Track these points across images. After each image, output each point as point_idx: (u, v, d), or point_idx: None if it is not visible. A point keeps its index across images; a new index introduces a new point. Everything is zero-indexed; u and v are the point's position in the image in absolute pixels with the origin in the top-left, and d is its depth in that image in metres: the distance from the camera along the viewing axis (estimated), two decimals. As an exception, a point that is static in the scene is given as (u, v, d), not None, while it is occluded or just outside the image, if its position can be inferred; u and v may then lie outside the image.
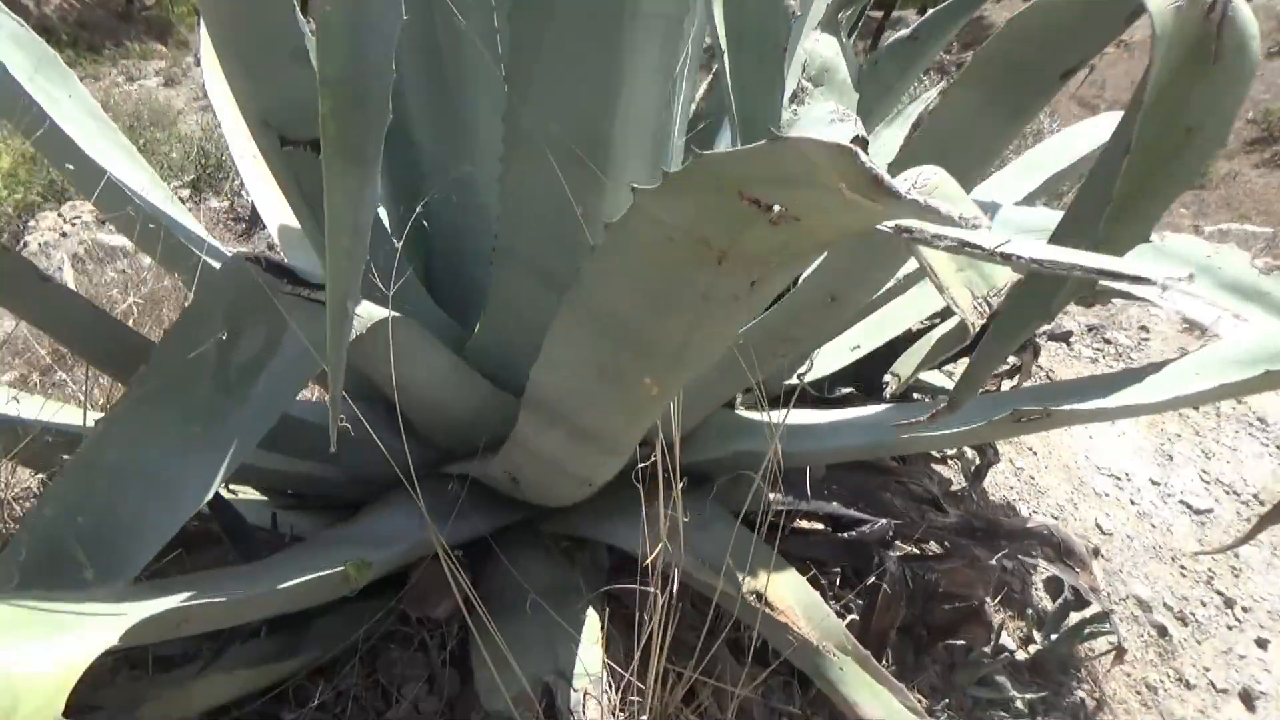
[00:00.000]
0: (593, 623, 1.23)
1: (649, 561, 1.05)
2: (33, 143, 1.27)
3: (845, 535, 1.47)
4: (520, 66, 0.97)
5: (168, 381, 0.99)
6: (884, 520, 1.47)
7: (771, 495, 1.50)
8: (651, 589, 1.05)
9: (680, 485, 0.99)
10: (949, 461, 2.08)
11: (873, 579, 1.37)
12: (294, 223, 1.80)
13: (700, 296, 0.64)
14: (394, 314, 1.00)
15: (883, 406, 1.53)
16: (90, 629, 0.74)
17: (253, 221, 5.10)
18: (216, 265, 1.31)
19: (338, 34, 0.80)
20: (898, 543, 1.60)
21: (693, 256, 0.60)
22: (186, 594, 0.92)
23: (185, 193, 5.88)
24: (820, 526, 1.57)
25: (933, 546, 1.62)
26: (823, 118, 1.89)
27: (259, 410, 0.98)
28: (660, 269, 0.63)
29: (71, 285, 3.34)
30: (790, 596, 1.22)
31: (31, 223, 5.31)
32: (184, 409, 0.98)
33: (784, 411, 1.11)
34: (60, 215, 5.18)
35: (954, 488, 1.98)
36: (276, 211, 2.07)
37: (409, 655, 1.22)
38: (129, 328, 1.24)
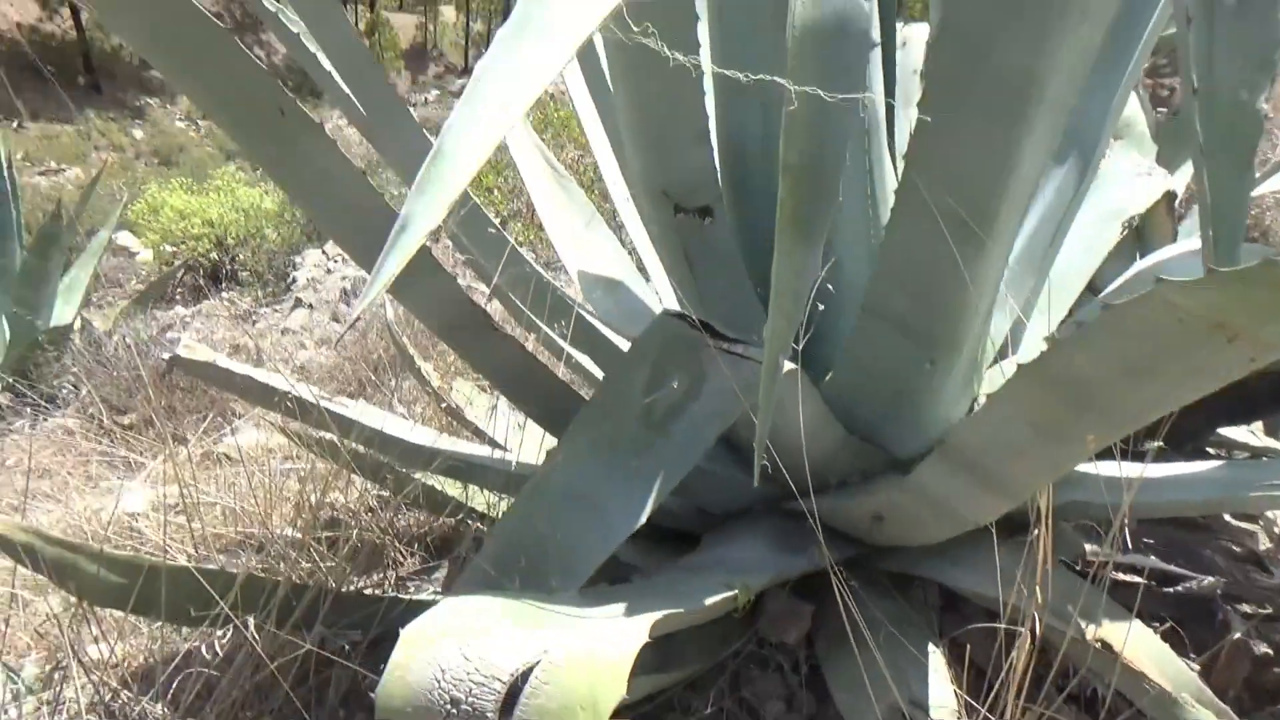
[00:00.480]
0: (937, 657, 1.31)
1: (1006, 604, 1.12)
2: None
3: (1174, 590, 1.48)
4: (924, 146, 1.07)
5: (603, 418, 1.15)
6: (1212, 578, 1.47)
7: (1089, 546, 1.54)
8: (1000, 628, 1.12)
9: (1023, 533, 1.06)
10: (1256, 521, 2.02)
11: (1209, 634, 1.38)
12: (594, 269, 1.97)
13: (1191, 369, 0.72)
14: (795, 366, 1.12)
15: (1211, 463, 1.53)
16: (607, 628, 0.88)
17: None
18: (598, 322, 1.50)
19: (801, 127, 0.93)
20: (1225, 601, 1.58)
21: (1201, 337, 0.67)
22: (621, 604, 1.07)
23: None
24: (1138, 580, 1.58)
25: (1253, 607, 1.59)
26: (1128, 171, 1.92)
27: (682, 448, 1.12)
28: (1157, 346, 0.72)
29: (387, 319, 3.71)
30: (1139, 645, 1.26)
31: (298, 259, 5.93)
32: (616, 444, 1.14)
33: (1141, 466, 1.16)
34: (324, 253, 5.75)
35: (1262, 547, 1.92)
36: (574, 257, 2.26)
37: (767, 676, 1.34)
38: (554, 374, 1.42)
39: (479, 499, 1.87)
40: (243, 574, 1.22)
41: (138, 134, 20.40)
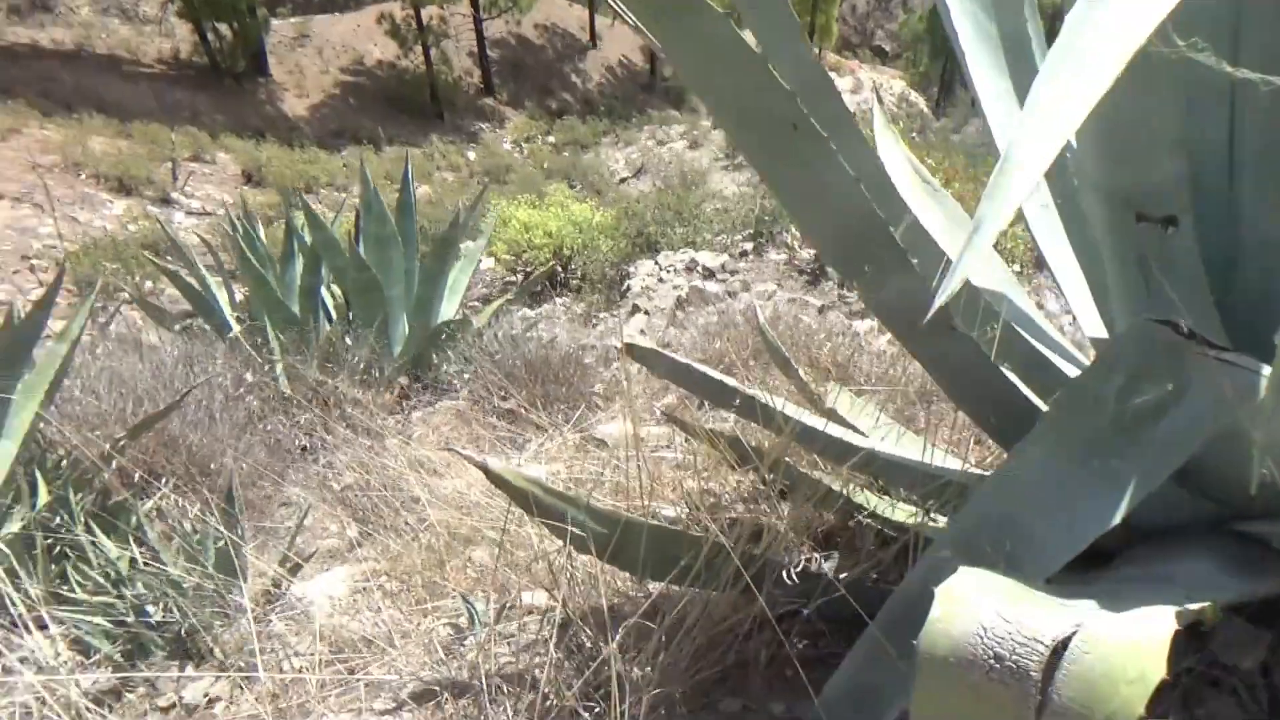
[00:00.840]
0: None
1: None
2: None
3: None
4: None
5: (1073, 420, 1.18)
6: None
7: None
8: None
9: None
10: None
11: None
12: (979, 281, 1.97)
13: None
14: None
15: None
16: (1131, 613, 0.92)
17: (817, 274, 5.59)
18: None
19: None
20: None
21: None
22: (1094, 601, 1.09)
23: (748, 245, 6.62)
24: None
25: None
26: None
27: (1160, 453, 1.12)
28: None
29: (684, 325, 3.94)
30: None
31: (631, 269, 6.36)
32: (1089, 444, 1.16)
33: None
34: (656, 264, 6.13)
35: None
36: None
37: (1221, 698, 1.30)
38: (1005, 377, 1.47)
39: (861, 497, 1.95)
40: (711, 536, 1.37)
41: (471, 155, 22.62)
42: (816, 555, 1.82)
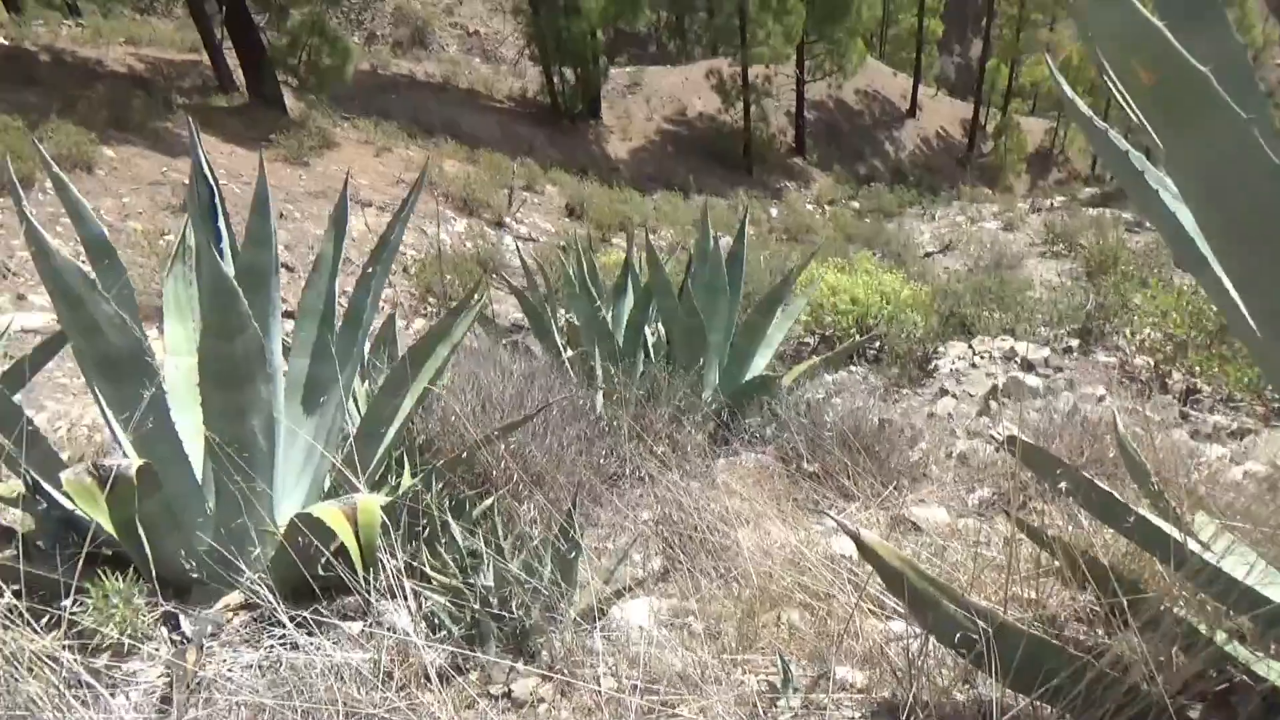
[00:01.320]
0: None
1: None
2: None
3: None
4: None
5: None
6: None
7: None
8: None
9: None
10: None
11: None
12: None
13: None
14: None
15: None
16: None
17: (1151, 384, 5.11)
18: None
19: None
20: None
21: None
22: None
23: (1074, 342, 6.19)
24: None
25: None
26: None
27: None
28: None
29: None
30: None
31: (940, 348, 6.16)
32: None
33: None
34: (970, 347, 5.89)
35: None
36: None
37: None
38: None
39: (1235, 649, 1.73)
40: (1105, 660, 1.28)
41: (774, 211, 22.96)
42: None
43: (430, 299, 9.16)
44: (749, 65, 27.11)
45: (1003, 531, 2.99)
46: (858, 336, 7.51)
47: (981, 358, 5.66)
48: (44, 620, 1.95)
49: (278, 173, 12.74)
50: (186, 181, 11.12)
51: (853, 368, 7.28)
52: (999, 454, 3.97)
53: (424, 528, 2.44)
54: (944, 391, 5.18)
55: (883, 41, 42.88)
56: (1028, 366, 5.35)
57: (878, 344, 7.22)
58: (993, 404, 4.71)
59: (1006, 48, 38.33)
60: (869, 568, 2.60)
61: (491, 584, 2.16)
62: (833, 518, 1.49)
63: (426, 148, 17.71)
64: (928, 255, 16.40)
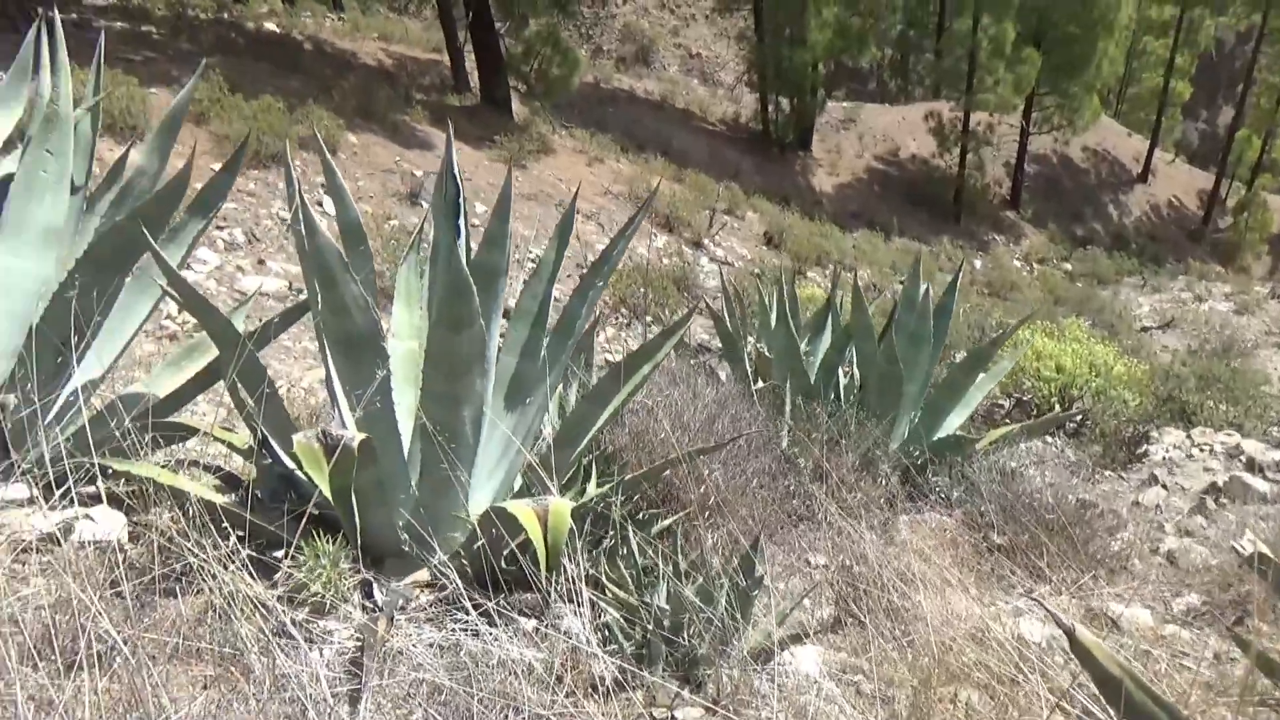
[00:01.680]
0: None
1: None
2: None
3: None
4: None
5: None
6: None
7: None
8: None
9: None
10: None
11: None
12: None
13: None
14: None
15: None
16: None
17: None
18: None
19: None
20: None
21: None
22: None
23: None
24: None
25: None
26: None
27: None
28: None
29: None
30: None
31: (1154, 433, 5.71)
32: None
33: None
34: (1188, 437, 5.43)
35: None
36: None
37: None
38: None
39: None
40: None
41: (978, 264, 22.02)
42: None
43: (623, 309, 9.35)
44: (972, 111, 26.15)
45: (1215, 647, 2.73)
46: (1058, 407, 7.08)
47: (1200, 449, 5.20)
48: (258, 568, 2.11)
49: (496, 172, 13.40)
50: (415, 172, 11.83)
51: (1048, 438, 6.87)
52: (1215, 560, 3.63)
53: (608, 536, 2.49)
54: (1154, 480, 4.79)
55: (1120, 99, 40.37)
56: (1254, 467, 4.86)
57: (1079, 418, 6.78)
58: (1210, 503, 4.32)
59: (1262, 118, 35.22)
60: (1060, 657, 2.44)
61: (667, 606, 2.17)
62: (1044, 606, 1.39)
63: (637, 162, 18.11)
64: (1145, 330, 15.29)
